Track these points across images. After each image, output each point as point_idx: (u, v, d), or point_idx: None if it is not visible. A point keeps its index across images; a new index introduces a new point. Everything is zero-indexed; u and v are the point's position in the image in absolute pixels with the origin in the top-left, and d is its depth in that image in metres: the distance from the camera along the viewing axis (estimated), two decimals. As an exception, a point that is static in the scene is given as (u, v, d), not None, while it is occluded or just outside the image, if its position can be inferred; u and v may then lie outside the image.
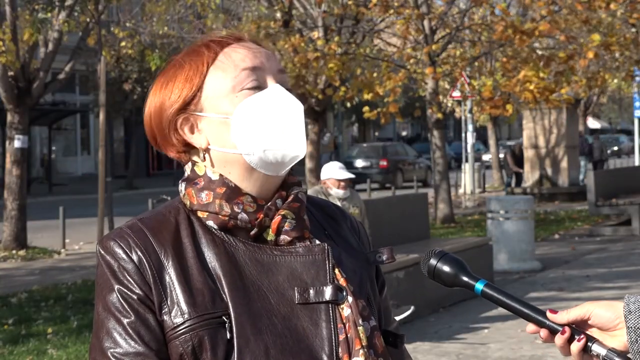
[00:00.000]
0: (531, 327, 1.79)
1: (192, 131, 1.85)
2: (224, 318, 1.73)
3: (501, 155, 34.76)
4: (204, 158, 1.84)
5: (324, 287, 1.78)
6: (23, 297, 11.65)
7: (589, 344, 1.74)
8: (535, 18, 19.30)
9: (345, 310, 1.79)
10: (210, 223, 1.81)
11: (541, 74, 18.00)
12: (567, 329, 1.75)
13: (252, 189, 1.83)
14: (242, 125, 1.80)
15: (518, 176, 29.05)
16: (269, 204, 1.82)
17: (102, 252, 1.79)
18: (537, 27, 17.84)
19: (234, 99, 1.81)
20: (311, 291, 1.78)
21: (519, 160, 28.46)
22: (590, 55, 18.05)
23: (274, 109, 1.80)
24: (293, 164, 1.84)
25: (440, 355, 8.42)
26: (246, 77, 1.82)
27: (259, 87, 1.82)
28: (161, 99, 1.86)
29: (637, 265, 13.73)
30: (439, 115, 19.74)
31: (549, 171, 26.90)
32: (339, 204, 8.76)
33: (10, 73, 16.19)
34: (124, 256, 1.77)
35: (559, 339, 1.75)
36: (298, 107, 1.80)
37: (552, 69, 19.16)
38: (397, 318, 8.84)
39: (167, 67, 1.89)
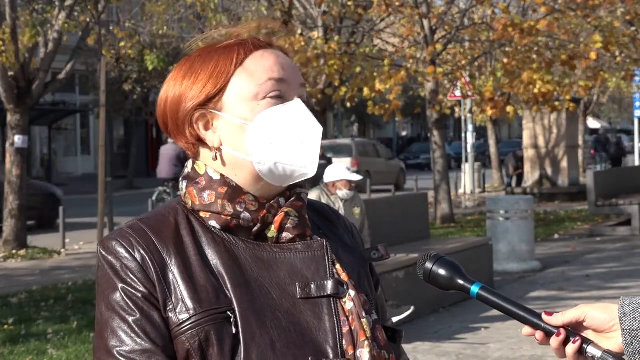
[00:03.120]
0: (527, 329, 1.80)
1: (206, 128, 1.85)
2: (229, 313, 1.75)
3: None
4: (215, 157, 1.84)
5: (325, 282, 1.80)
6: (23, 297, 11.65)
7: (584, 345, 1.74)
8: (535, 14, 19.33)
9: (348, 304, 1.81)
10: (213, 223, 1.82)
11: (545, 78, 18.00)
12: (562, 331, 1.75)
13: (254, 192, 1.84)
14: (259, 134, 1.81)
15: (519, 176, 29.12)
16: (271, 202, 1.83)
17: (104, 252, 1.79)
18: (536, 24, 17.84)
19: (256, 106, 1.82)
20: (312, 286, 1.80)
21: (520, 162, 28.63)
22: (593, 56, 18.06)
23: (293, 125, 1.81)
24: (300, 180, 1.85)
25: (440, 355, 8.42)
26: (271, 87, 1.82)
27: (282, 97, 1.83)
28: (182, 89, 1.85)
29: (637, 265, 13.73)
30: (446, 112, 19.74)
31: (549, 171, 26.91)
32: (341, 204, 8.79)
33: (10, 73, 16.19)
34: (126, 255, 1.77)
35: (554, 341, 1.76)
36: (317, 128, 1.82)
37: (553, 71, 19.17)
38: (397, 318, 8.88)
39: (193, 57, 1.88)
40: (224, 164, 1.84)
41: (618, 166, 35.57)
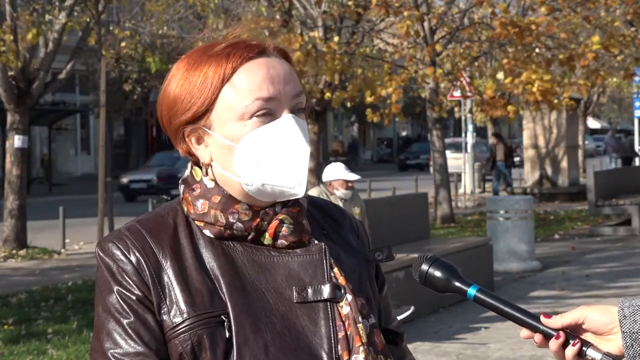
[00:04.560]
0: (525, 332, 1.78)
1: (198, 142, 1.83)
2: (223, 317, 1.74)
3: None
4: (206, 173, 1.83)
5: (322, 286, 1.79)
6: (23, 297, 11.65)
7: (584, 348, 1.73)
8: (535, 13, 19.32)
9: (345, 308, 1.79)
10: (207, 232, 1.81)
11: (544, 77, 17.99)
12: (561, 333, 1.74)
13: (248, 201, 1.82)
14: (245, 156, 1.78)
15: (494, 161, 28.61)
16: (266, 209, 1.81)
17: (101, 254, 1.79)
18: (535, 21, 17.83)
19: (242, 127, 1.77)
20: (309, 290, 1.78)
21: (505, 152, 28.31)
22: (591, 57, 18.07)
23: (280, 145, 1.77)
24: (290, 198, 1.82)
25: (440, 355, 8.41)
26: (259, 107, 1.77)
27: (271, 115, 1.78)
28: (173, 98, 1.82)
29: (637, 265, 13.73)
30: (443, 115, 19.72)
31: (549, 171, 26.92)
32: (340, 204, 8.76)
33: (10, 73, 16.19)
34: (122, 257, 1.77)
35: (554, 343, 1.74)
36: (304, 148, 1.77)
37: (552, 70, 19.16)
38: (397, 318, 8.86)
39: (188, 61, 1.83)
40: (215, 179, 1.83)
41: (628, 166, 35.71)
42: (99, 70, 17.25)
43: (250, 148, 1.77)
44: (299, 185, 1.78)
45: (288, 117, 1.78)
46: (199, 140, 1.82)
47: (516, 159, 27.71)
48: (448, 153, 39.81)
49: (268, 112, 1.77)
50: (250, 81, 1.78)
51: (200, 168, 1.86)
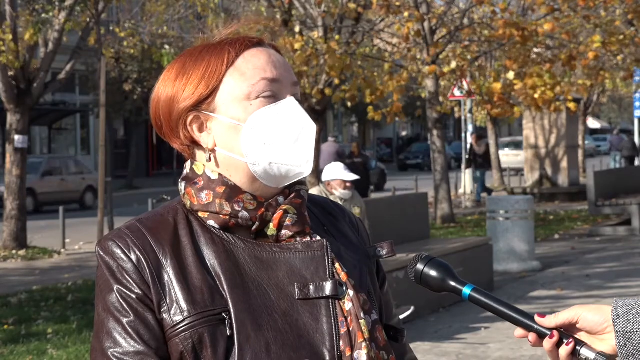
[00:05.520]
0: (520, 331, 1.79)
1: (200, 130, 1.84)
2: (224, 315, 1.74)
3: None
4: (210, 158, 1.84)
5: (324, 283, 1.79)
6: (23, 297, 11.65)
7: (578, 347, 1.73)
8: (537, 18, 19.34)
9: (347, 304, 1.80)
10: (212, 223, 1.81)
11: (547, 79, 17.97)
12: (555, 332, 1.74)
13: (252, 192, 1.83)
14: (253, 134, 1.80)
15: (474, 157, 27.96)
16: (270, 200, 1.83)
17: (101, 253, 1.79)
18: (539, 26, 17.83)
19: (248, 106, 1.80)
20: (311, 287, 1.79)
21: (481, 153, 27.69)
22: (592, 56, 18.07)
23: (287, 123, 1.80)
24: (295, 180, 1.84)
25: (440, 355, 8.42)
26: (264, 87, 1.81)
27: (275, 97, 1.82)
28: (174, 90, 1.84)
29: (637, 265, 13.73)
30: (446, 112, 19.72)
31: (549, 171, 26.92)
32: (340, 204, 8.77)
33: (10, 73, 16.19)
34: (122, 256, 1.77)
35: (548, 343, 1.75)
36: (310, 126, 1.81)
37: (553, 70, 19.17)
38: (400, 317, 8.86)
39: (184, 57, 1.87)
40: (217, 165, 1.83)
41: (632, 165, 35.76)
42: (99, 70, 17.26)
43: (258, 126, 1.80)
44: (306, 163, 1.81)
45: (292, 99, 1.83)
46: (201, 129, 1.84)
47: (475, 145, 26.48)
48: (507, 150, 43.03)
49: (272, 95, 1.81)
50: (255, 64, 1.82)
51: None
